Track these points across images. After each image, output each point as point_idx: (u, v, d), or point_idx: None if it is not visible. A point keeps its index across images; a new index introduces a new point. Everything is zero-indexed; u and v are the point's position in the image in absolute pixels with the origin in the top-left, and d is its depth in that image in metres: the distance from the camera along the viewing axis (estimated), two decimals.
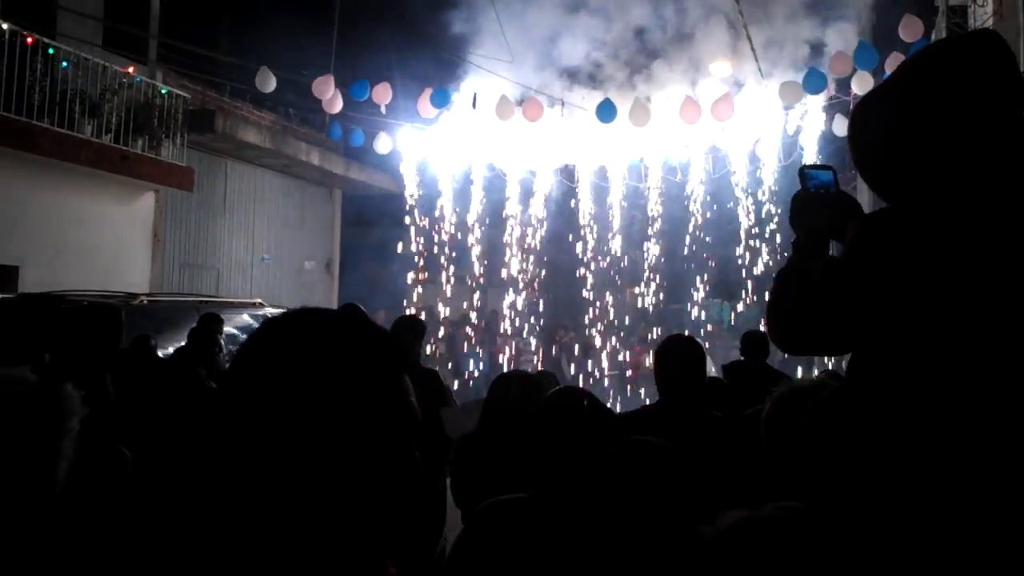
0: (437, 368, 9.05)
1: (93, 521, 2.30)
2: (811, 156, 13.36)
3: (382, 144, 14.31)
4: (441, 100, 12.54)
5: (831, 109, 12.32)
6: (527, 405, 3.94)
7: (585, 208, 15.75)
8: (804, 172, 2.06)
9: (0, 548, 2.06)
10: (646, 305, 18.11)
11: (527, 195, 15.80)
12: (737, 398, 4.63)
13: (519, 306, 17.80)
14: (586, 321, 18.05)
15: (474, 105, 13.20)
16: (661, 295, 17.70)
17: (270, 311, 10.07)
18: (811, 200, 2.02)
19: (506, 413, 3.98)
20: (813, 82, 10.91)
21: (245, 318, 9.68)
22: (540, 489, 2.41)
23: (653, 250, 16.71)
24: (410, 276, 16.74)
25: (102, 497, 2.76)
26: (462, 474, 4.14)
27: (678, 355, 3.65)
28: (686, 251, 16.69)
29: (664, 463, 2.32)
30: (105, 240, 13.73)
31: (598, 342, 17.94)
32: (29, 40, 11.76)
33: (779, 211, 14.66)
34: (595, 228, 16.26)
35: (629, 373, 17.73)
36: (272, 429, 1.16)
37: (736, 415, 3.60)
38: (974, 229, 1.67)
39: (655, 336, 17.89)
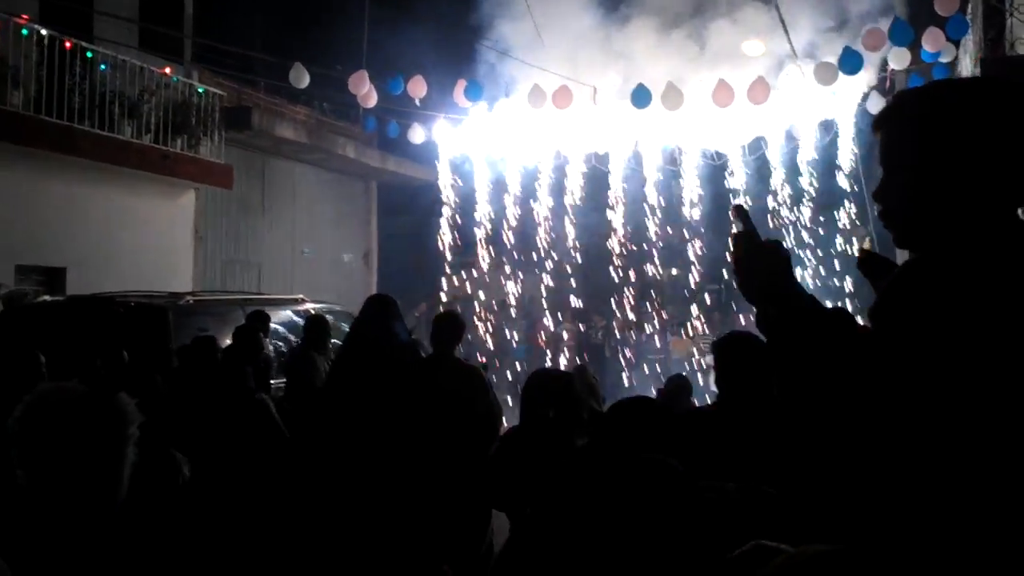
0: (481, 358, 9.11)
1: (151, 524, 2.39)
2: (847, 136, 13.26)
3: (416, 135, 14.40)
4: (475, 94, 12.59)
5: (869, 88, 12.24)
6: (559, 402, 4.00)
7: (617, 192, 15.71)
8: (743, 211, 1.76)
9: (71, 552, 2.17)
10: (692, 287, 18.00)
11: (561, 181, 15.81)
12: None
13: (554, 292, 17.87)
14: (624, 305, 18.06)
15: (507, 94, 13.27)
16: (696, 276, 17.58)
17: (312, 307, 10.20)
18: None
19: (540, 410, 4.02)
20: (849, 62, 10.79)
21: (288, 314, 9.80)
22: (594, 495, 2.44)
23: (688, 231, 16.66)
24: (446, 265, 16.84)
25: (157, 500, 2.87)
26: (501, 472, 4.20)
27: (739, 353, 3.60)
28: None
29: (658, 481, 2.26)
30: (148, 240, 13.97)
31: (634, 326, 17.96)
32: (67, 45, 11.98)
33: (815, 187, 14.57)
34: (628, 211, 16.24)
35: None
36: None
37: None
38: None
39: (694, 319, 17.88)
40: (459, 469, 4.54)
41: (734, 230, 1.76)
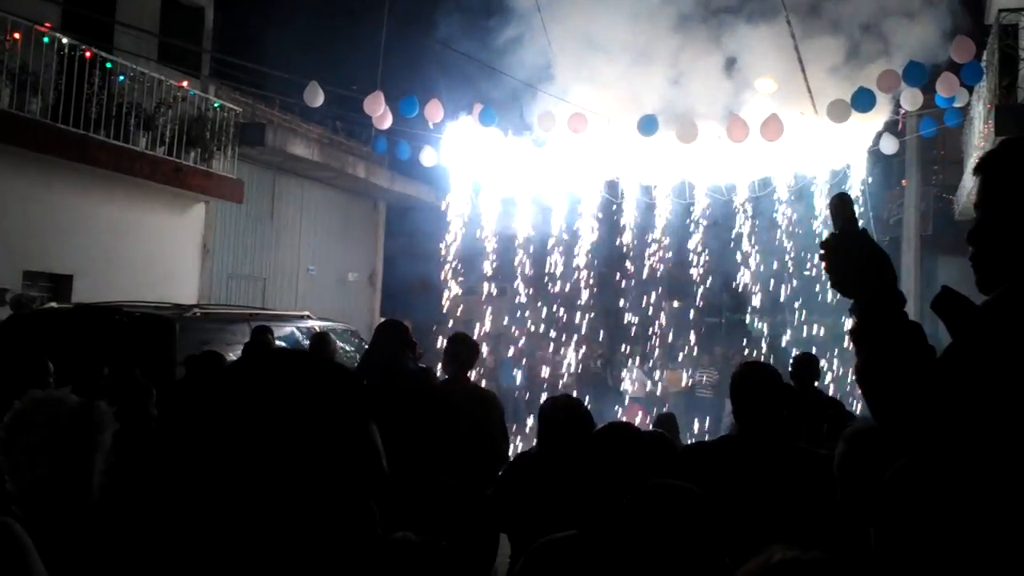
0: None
1: (127, 528, 2.40)
2: (859, 174, 13.28)
3: (427, 157, 14.43)
4: (489, 119, 12.65)
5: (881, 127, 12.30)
6: (576, 429, 3.98)
7: (630, 222, 15.73)
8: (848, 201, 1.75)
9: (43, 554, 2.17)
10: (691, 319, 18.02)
11: (572, 211, 15.83)
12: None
13: (561, 321, 17.85)
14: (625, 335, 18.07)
15: (521, 117, 13.34)
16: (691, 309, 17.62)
17: (317, 324, 10.20)
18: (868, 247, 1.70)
19: (557, 437, 4.00)
20: (862, 100, 10.84)
21: (292, 330, 9.79)
22: (593, 525, 2.43)
23: (699, 264, 16.66)
24: (451, 289, 16.82)
25: (137, 506, 2.87)
26: (510, 496, 4.17)
27: (754, 383, 3.55)
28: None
29: (687, 508, 2.22)
30: (156, 250, 13.99)
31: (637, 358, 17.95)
32: (87, 54, 12.05)
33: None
34: (638, 242, 16.27)
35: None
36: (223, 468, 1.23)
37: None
38: None
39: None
40: (470, 492, 4.51)
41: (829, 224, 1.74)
